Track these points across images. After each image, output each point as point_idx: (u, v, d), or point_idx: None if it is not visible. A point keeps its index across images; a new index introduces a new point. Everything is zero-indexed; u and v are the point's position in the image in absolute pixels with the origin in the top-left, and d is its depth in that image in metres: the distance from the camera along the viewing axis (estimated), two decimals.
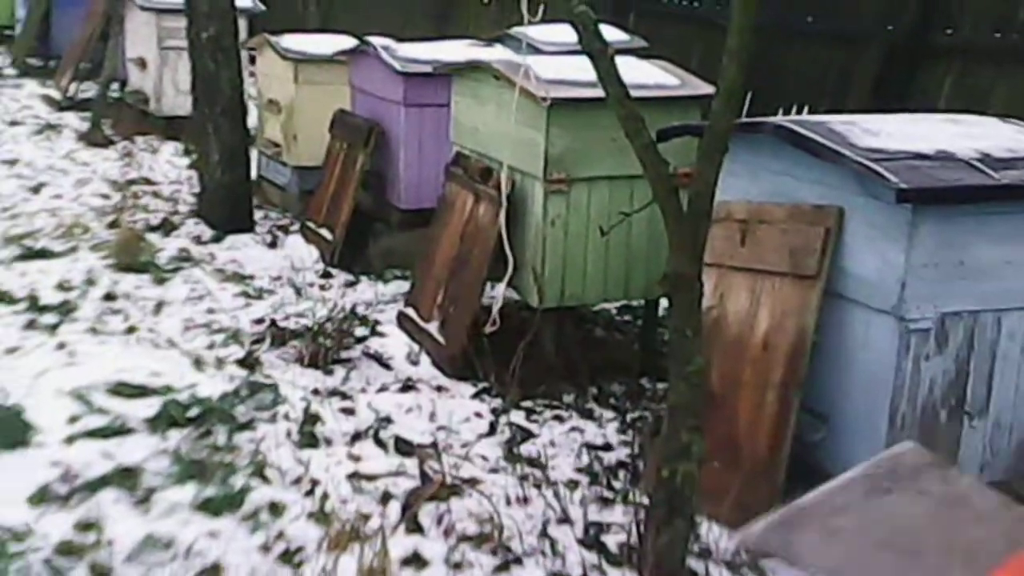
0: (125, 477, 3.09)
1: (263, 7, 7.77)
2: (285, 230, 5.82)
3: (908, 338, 2.85)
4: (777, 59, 6.54)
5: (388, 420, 3.53)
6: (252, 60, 6.70)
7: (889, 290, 2.85)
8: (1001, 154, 2.96)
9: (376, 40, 5.41)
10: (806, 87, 6.62)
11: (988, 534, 0.41)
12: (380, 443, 3.38)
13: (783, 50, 6.57)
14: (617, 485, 3.18)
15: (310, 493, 3.02)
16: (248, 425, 3.42)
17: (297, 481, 3.09)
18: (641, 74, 4.15)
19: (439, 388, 3.84)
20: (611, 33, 6.02)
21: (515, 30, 5.64)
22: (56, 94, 8.75)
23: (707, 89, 4.20)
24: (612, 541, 2.83)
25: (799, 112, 6.49)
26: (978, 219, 2.85)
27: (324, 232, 5.36)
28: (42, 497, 2.94)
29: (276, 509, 2.92)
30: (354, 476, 3.14)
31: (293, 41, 6.13)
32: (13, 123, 7.95)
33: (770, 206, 3.24)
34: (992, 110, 5.47)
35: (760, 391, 3.06)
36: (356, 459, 3.26)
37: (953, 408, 2.96)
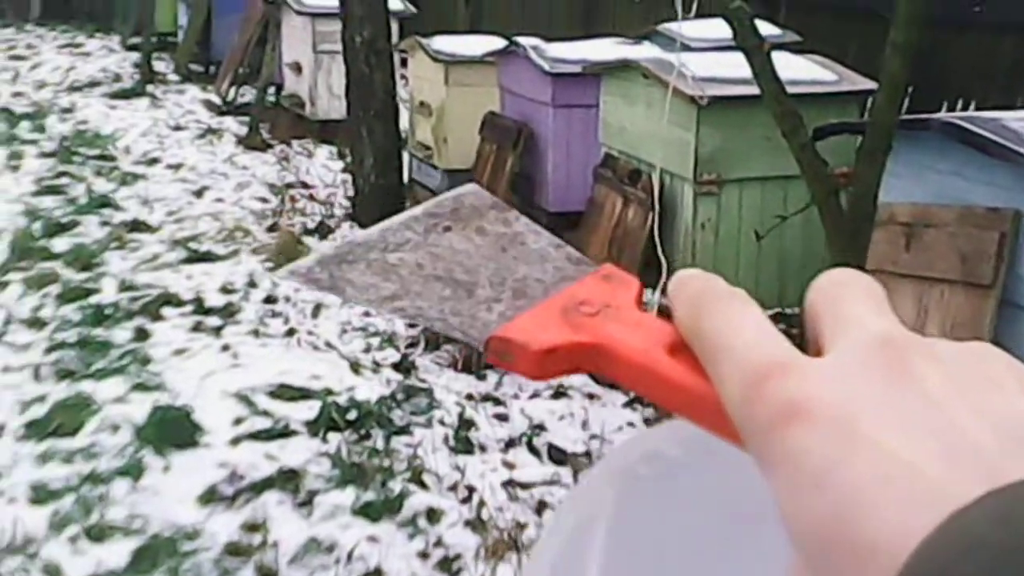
0: (288, 479, 3.19)
1: (414, 10, 7.89)
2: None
3: None
4: (940, 51, 6.27)
5: (541, 427, 3.54)
6: (403, 63, 6.81)
7: None
8: None
9: (525, 40, 5.42)
10: (972, 81, 6.33)
11: (540, 271, 0.40)
12: (534, 450, 3.40)
13: (947, 41, 6.29)
14: None
15: (467, 500, 3.06)
16: (405, 429, 3.48)
17: (453, 487, 3.13)
18: (796, 70, 4.05)
19: (591, 396, 3.83)
20: (763, 28, 5.87)
21: (663, 27, 5.57)
22: (216, 99, 9.09)
23: (866, 85, 4.07)
24: None
25: (965, 108, 6.22)
26: None
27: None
28: (210, 497, 3.07)
29: (434, 515, 2.97)
30: (509, 484, 3.16)
31: (444, 43, 6.20)
32: (177, 128, 8.30)
33: (937, 208, 3.11)
34: None
35: None
36: (510, 466, 3.28)
37: None
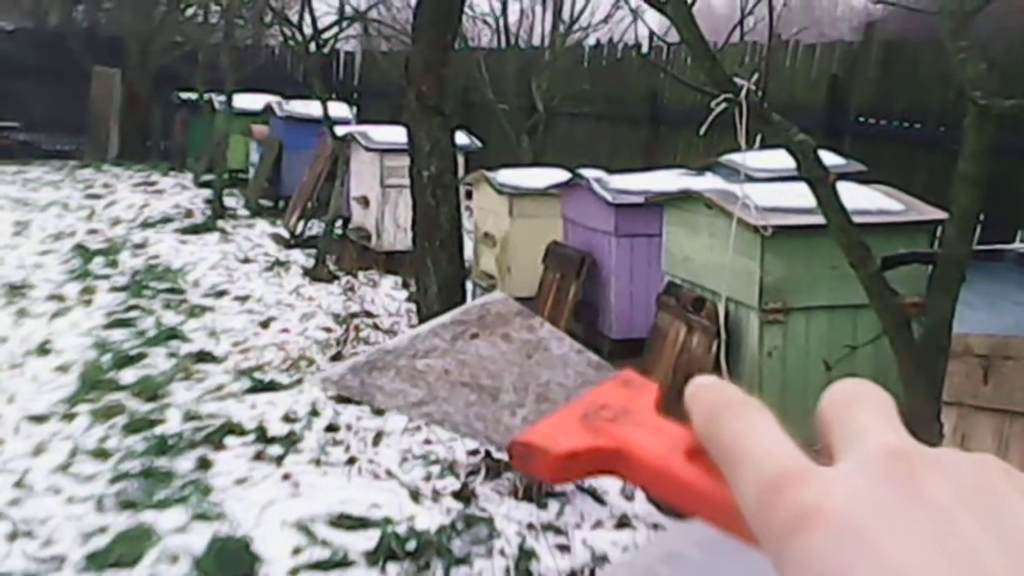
0: None
1: (479, 144, 8.07)
2: None
3: None
4: (1012, 179, 6.22)
5: (604, 559, 3.44)
6: (468, 195, 6.93)
7: None
8: None
9: (588, 172, 5.50)
10: None
11: (563, 376, 0.40)
12: None
13: (1018, 171, 6.25)
14: None
15: None
16: (465, 560, 3.40)
17: None
18: (862, 199, 4.04)
19: (655, 526, 3.72)
20: (828, 158, 5.90)
21: (726, 158, 5.61)
22: (285, 232, 9.31)
23: (935, 214, 4.04)
24: None
25: None
26: None
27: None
28: None
29: None
30: None
31: (508, 176, 6.32)
32: (245, 260, 8.48)
33: (1016, 340, 3.03)
34: None
35: None
36: None
37: None
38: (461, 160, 7.35)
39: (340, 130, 8.38)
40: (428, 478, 4.15)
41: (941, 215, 3.86)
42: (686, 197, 4.45)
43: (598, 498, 3.97)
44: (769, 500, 0.37)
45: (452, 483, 4.08)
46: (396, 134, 7.35)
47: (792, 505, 0.36)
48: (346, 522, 3.67)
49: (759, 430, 0.40)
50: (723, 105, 2.99)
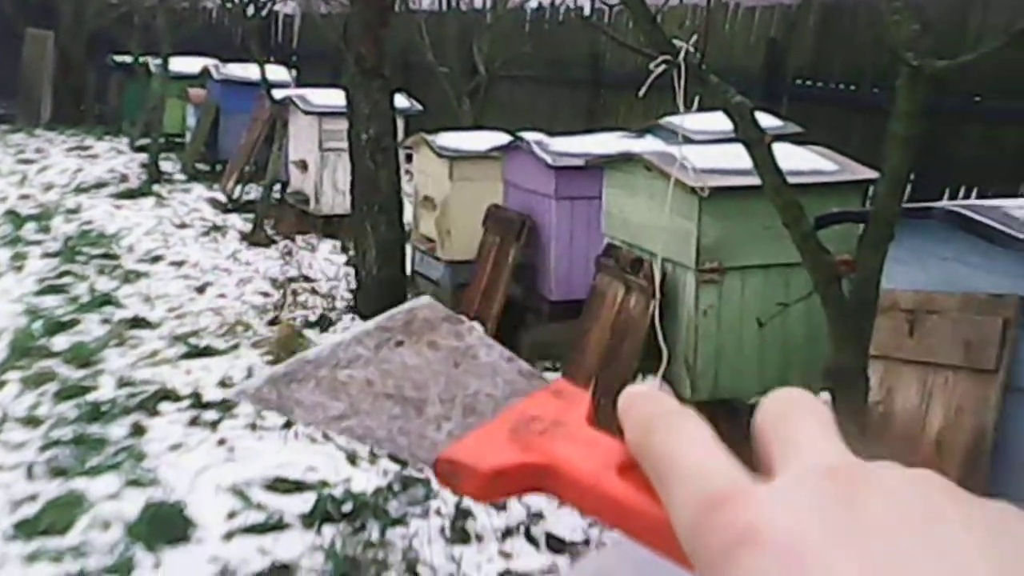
0: (281, 574, 3.10)
1: (420, 107, 8.00)
2: None
3: None
4: (942, 140, 6.31)
5: (539, 516, 3.46)
6: (408, 158, 6.88)
7: None
8: None
9: (529, 135, 5.48)
10: (973, 169, 6.37)
11: (491, 385, 0.39)
12: (532, 539, 3.31)
13: (948, 131, 6.34)
14: None
15: None
16: (401, 520, 3.40)
17: None
18: (797, 160, 4.07)
19: None
20: (765, 119, 5.93)
21: (666, 120, 5.62)
22: (222, 197, 9.18)
23: (867, 174, 4.08)
24: None
25: (967, 196, 6.24)
26: None
27: (476, 325, 5.38)
28: None
29: None
30: (505, 574, 3.07)
31: (448, 139, 6.27)
32: (182, 225, 8.35)
33: (941, 295, 3.07)
34: None
35: None
36: (507, 556, 3.20)
37: None
38: (401, 123, 7.30)
39: (278, 93, 8.26)
40: None
41: (873, 175, 3.91)
42: (626, 159, 4.45)
43: None
44: (703, 520, 0.35)
45: None
46: (335, 97, 7.27)
47: (727, 524, 0.34)
48: (281, 486, 3.65)
49: (694, 444, 0.38)
50: (661, 67, 2.99)
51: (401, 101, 7.21)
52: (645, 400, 0.40)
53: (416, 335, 0.50)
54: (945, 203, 3.20)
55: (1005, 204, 3.08)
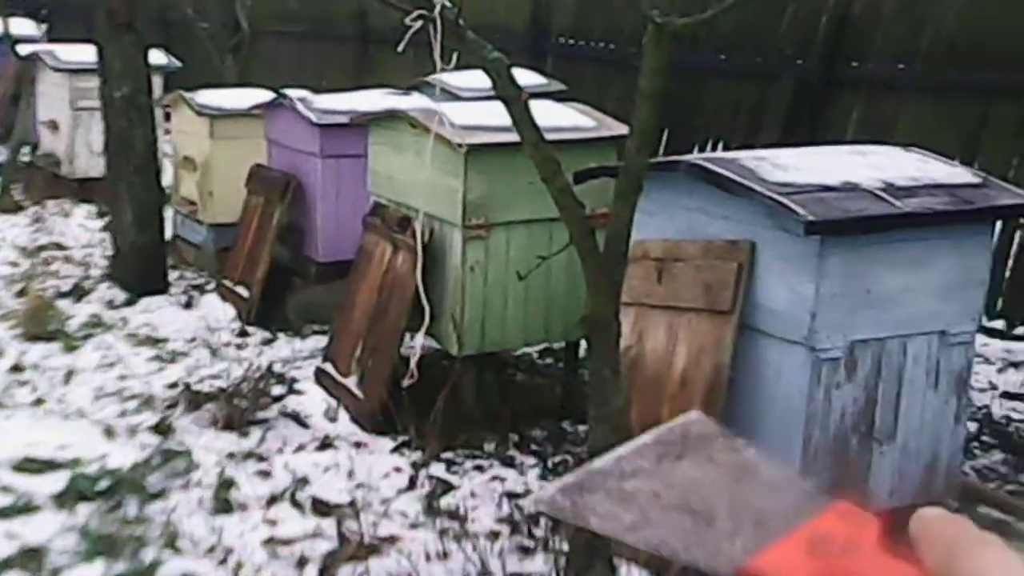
0: (29, 558, 2.95)
1: (178, 63, 7.67)
2: (201, 290, 5.68)
3: (819, 367, 2.85)
4: (691, 97, 6.60)
5: (305, 481, 3.43)
6: (167, 117, 6.59)
7: (800, 321, 2.84)
8: (903, 183, 2.97)
9: (292, 92, 5.35)
10: (721, 124, 6.69)
11: (775, 502, 0.43)
12: (297, 505, 3.28)
13: (697, 88, 6.63)
14: (538, 533, 3.10)
15: (224, 562, 2.90)
16: (160, 495, 3.29)
17: (211, 550, 2.97)
18: (557, 117, 4.14)
19: (358, 444, 3.74)
20: (528, 77, 6.02)
21: (432, 77, 5.61)
22: None
23: (623, 130, 4.20)
24: None
25: (714, 148, 6.56)
26: (882, 248, 2.87)
27: (240, 290, 5.25)
28: None
29: None
30: (270, 541, 3.03)
31: (209, 97, 6.05)
32: None
33: (685, 243, 3.22)
34: (896, 139, 5.57)
35: None
36: (272, 523, 3.15)
37: (863, 434, 2.97)
38: (159, 81, 6.98)
39: (24, 49, 7.73)
40: (123, 414, 3.97)
41: (627, 130, 4.03)
42: (391, 116, 4.42)
43: (301, 422, 3.94)
44: None
45: (149, 418, 3.92)
46: (87, 53, 6.84)
47: None
48: (31, 466, 3.46)
49: (1002, 570, 0.38)
50: (419, 23, 2.96)
51: (158, 57, 6.88)
52: (947, 524, 0.41)
53: (693, 449, 0.52)
54: (689, 157, 3.34)
55: (741, 156, 3.25)
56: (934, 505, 0.45)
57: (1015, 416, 4.22)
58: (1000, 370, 4.86)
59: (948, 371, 3.06)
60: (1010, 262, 5.61)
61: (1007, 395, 4.47)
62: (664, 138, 6.94)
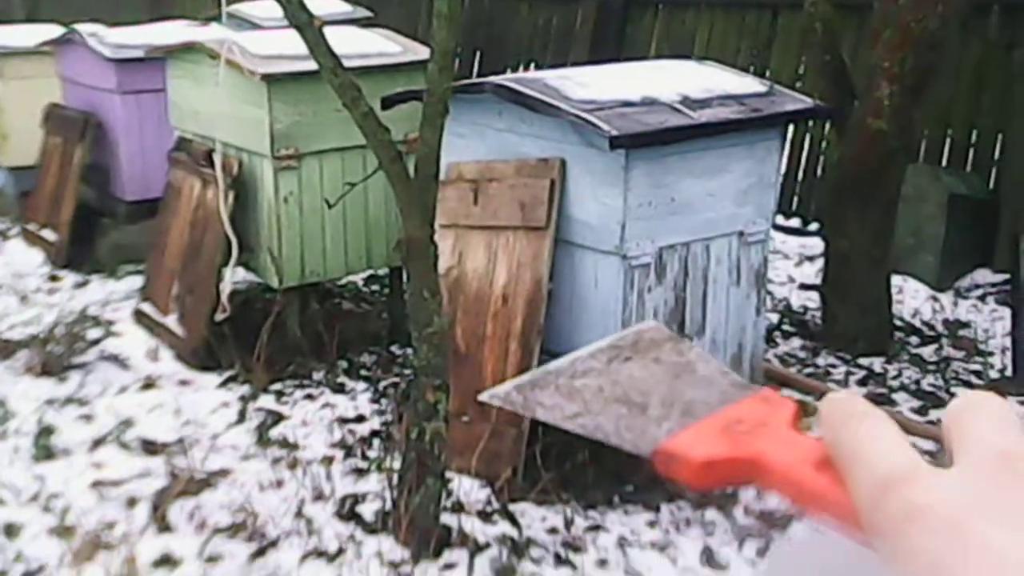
0: None
1: None
2: (3, 235, 5.43)
3: (632, 274, 2.99)
4: (503, 20, 6.66)
5: (130, 422, 3.38)
6: None
7: (611, 232, 2.97)
8: (698, 95, 3.12)
9: (83, 27, 5.12)
10: (531, 45, 6.78)
11: (706, 394, 0.50)
12: (123, 447, 3.23)
13: (509, 11, 6.69)
14: (372, 455, 3.17)
15: (48, 509, 2.85)
16: None
17: (34, 498, 2.91)
18: (363, 43, 4.13)
19: (183, 382, 3.70)
20: (332, 4, 5.94)
21: (233, 8, 5.47)
22: None
23: (428, 54, 4.22)
24: (368, 510, 2.83)
25: (526, 69, 6.65)
26: (683, 157, 3.01)
27: (46, 233, 5.05)
28: None
29: (12, 531, 2.75)
30: (97, 484, 2.99)
31: None
32: None
33: (498, 164, 3.29)
34: (696, 53, 5.81)
35: (503, 343, 3.12)
36: (98, 467, 3.10)
37: (675, 332, 3.13)
38: None
39: None
40: None
41: None
42: (189, 48, 4.29)
43: (122, 364, 3.86)
44: (880, 498, 0.39)
45: None
46: None
47: (899, 502, 0.39)
48: None
49: (879, 436, 0.42)
50: None
51: None
52: (843, 402, 0.45)
53: (642, 352, 0.58)
54: (495, 78, 3.39)
55: (546, 75, 3.32)
56: None
57: (811, 305, 4.53)
58: (797, 264, 5.20)
59: (748, 268, 3.26)
60: (802, 165, 5.98)
61: (803, 286, 4.79)
62: (477, 61, 6.99)
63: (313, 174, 3.92)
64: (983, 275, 4.95)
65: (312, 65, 3.27)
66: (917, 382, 3.90)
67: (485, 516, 2.78)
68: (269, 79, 3.75)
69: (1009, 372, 3.93)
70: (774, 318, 4.40)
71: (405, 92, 3.65)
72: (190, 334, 3.89)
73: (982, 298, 4.77)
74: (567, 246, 3.09)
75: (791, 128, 5.85)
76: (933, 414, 3.62)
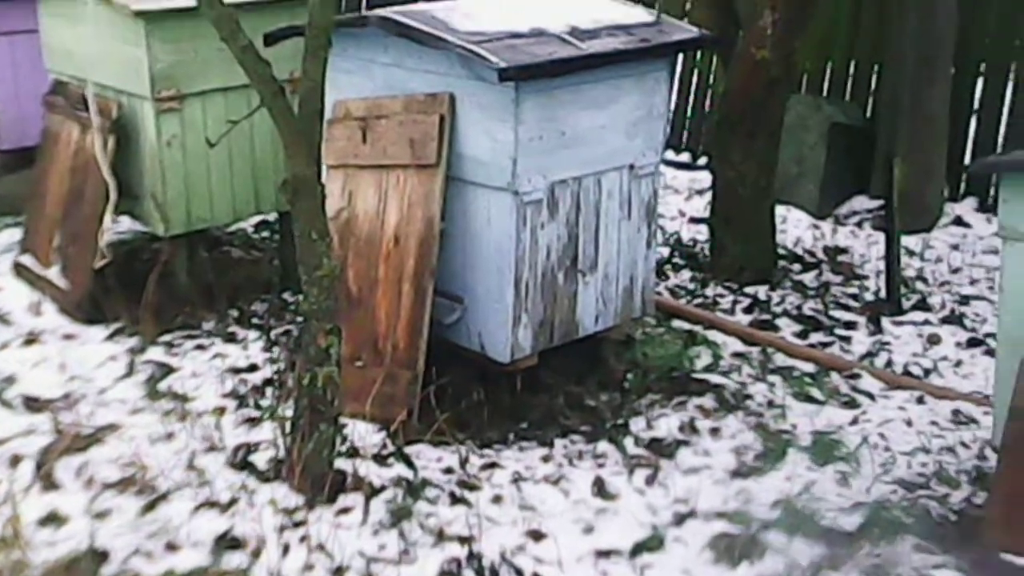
0: None
1: None
2: None
3: (524, 210, 2.97)
4: None
5: (12, 379, 3.27)
6: None
7: (503, 168, 2.93)
8: (587, 25, 3.09)
9: None
10: None
11: None
12: (6, 404, 3.13)
13: None
14: (265, 404, 3.12)
15: None
16: None
17: None
18: None
19: (67, 336, 3.59)
20: None
21: None
22: None
23: None
24: (261, 459, 2.80)
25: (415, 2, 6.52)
26: (573, 90, 2.99)
27: None
28: None
29: None
30: None
31: None
32: None
33: (386, 100, 3.22)
34: None
35: (396, 285, 3.08)
36: None
37: (569, 268, 3.15)
38: None
39: None
40: None
41: None
42: None
43: (3, 319, 3.73)
44: None
45: None
46: None
47: None
48: None
49: None
50: None
51: None
52: None
53: None
54: (380, 11, 3.31)
55: (433, 7, 3.25)
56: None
57: (700, 238, 4.59)
58: (687, 198, 5.26)
59: (638, 202, 3.27)
60: (691, 100, 6.02)
61: (693, 220, 4.85)
62: None
63: (196, 116, 3.80)
64: (860, 202, 5.10)
65: (190, 1, 3.14)
66: (799, 307, 4.02)
67: (380, 459, 2.77)
68: (145, 16, 3.60)
69: (883, 294, 4.08)
70: (665, 252, 4.46)
71: (287, 27, 3.55)
72: (74, 287, 3.76)
73: (859, 224, 4.92)
74: (459, 183, 3.05)
75: (680, 62, 5.88)
76: (813, 337, 3.75)
